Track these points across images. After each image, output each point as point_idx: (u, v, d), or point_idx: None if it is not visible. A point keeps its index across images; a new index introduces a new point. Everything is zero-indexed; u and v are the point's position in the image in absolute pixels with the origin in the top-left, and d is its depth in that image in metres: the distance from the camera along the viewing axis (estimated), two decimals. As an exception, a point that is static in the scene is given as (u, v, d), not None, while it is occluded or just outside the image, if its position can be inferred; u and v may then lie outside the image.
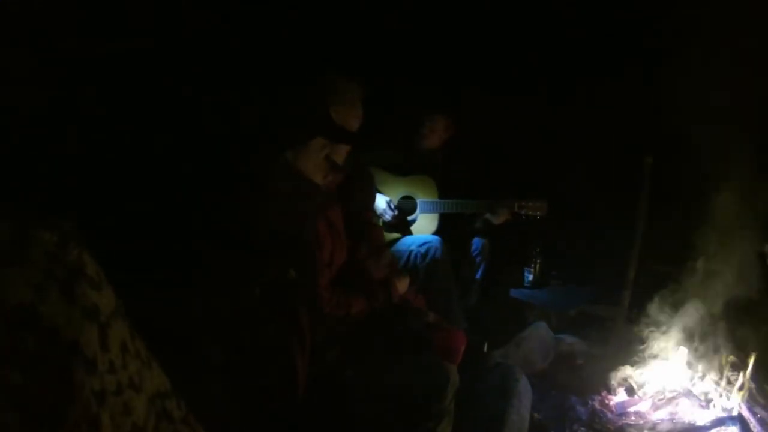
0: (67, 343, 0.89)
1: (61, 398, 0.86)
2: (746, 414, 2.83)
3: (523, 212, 3.47)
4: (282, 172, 1.54)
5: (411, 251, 3.28)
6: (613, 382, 3.29)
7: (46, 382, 0.85)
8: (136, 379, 1.03)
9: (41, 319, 0.88)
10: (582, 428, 2.96)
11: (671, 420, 2.98)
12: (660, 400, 3.11)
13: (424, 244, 3.28)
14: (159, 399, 1.10)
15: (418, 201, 3.48)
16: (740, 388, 2.95)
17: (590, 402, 3.19)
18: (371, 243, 2.61)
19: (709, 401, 3.03)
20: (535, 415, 3.01)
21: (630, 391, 3.22)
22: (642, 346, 3.35)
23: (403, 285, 2.71)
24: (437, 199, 3.53)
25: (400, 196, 3.46)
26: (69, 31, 1.64)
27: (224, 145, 1.47)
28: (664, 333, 3.31)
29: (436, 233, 3.49)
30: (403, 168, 3.50)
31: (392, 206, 3.32)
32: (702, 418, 2.93)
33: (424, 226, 3.50)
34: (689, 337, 3.24)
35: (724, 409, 2.94)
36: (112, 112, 1.57)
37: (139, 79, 1.69)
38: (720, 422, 2.84)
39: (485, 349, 3.44)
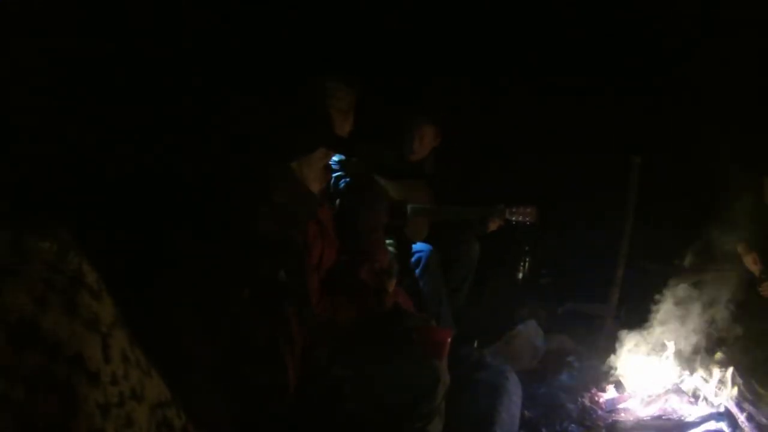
0: (70, 356, 0.88)
1: (65, 413, 0.84)
2: (734, 410, 2.87)
3: (514, 218, 3.47)
4: (285, 179, 1.52)
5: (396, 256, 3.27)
6: (603, 379, 3.32)
7: (49, 397, 0.84)
8: (138, 390, 1.01)
9: (43, 332, 0.87)
10: (572, 425, 2.98)
11: (660, 416, 3.01)
12: (649, 396, 3.14)
13: (415, 252, 3.27)
14: (159, 408, 1.09)
15: (411, 206, 3.46)
16: (728, 385, 2.98)
17: (580, 399, 3.21)
18: (380, 264, 2.60)
19: (697, 397, 3.06)
20: (526, 412, 3.02)
21: (619, 387, 3.24)
22: (631, 343, 3.37)
23: (391, 286, 2.71)
24: (430, 205, 3.52)
25: (394, 201, 3.44)
26: (68, 32, 1.62)
27: (228, 149, 1.46)
28: (652, 330, 3.34)
29: (428, 238, 3.47)
30: (397, 172, 3.48)
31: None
32: (691, 414, 2.96)
33: (416, 231, 3.48)
34: (678, 334, 3.27)
35: (712, 406, 2.97)
36: (112, 115, 1.55)
37: (140, 81, 1.67)
38: (708, 418, 2.87)
39: (475, 347, 3.45)
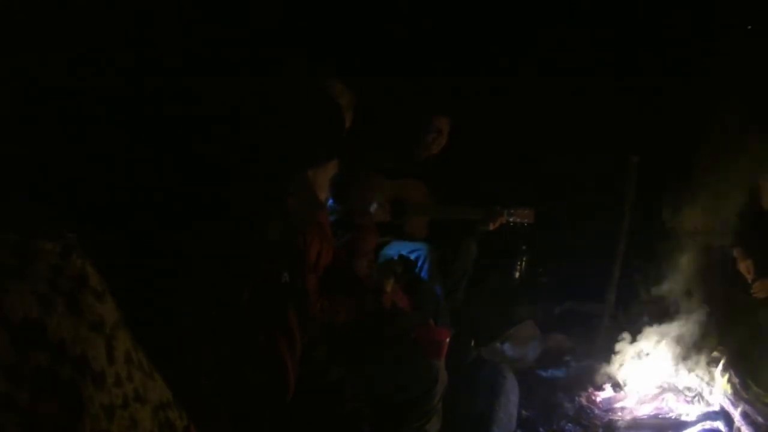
0: (75, 357, 0.88)
1: (69, 415, 0.84)
2: (730, 409, 2.88)
3: (512, 220, 3.48)
4: (300, 188, 1.53)
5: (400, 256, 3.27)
6: (600, 379, 3.33)
7: (54, 398, 0.84)
8: (141, 391, 1.01)
9: (48, 333, 0.86)
10: (569, 424, 2.99)
11: (657, 415, 3.02)
12: (646, 395, 3.15)
13: (413, 251, 3.27)
14: (162, 410, 1.09)
15: (410, 205, 3.46)
16: (724, 384, 3.00)
17: (577, 398, 3.22)
18: (359, 245, 2.60)
19: (694, 396, 3.07)
20: (523, 411, 3.03)
21: (616, 386, 3.26)
22: (627, 343, 3.39)
23: (388, 285, 2.71)
24: (428, 204, 3.52)
25: (392, 200, 3.44)
26: (74, 36, 1.62)
27: (242, 153, 1.45)
28: (649, 329, 3.36)
29: (426, 237, 3.48)
30: (396, 171, 3.47)
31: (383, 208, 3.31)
32: (687, 413, 2.97)
33: (414, 230, 3.49)
34: (674, 334, 3.29)
35: (708, 404, 2.99)
36: (119, 115, 1.55)
37: (147, 85, 1.67)
38: (705, 417, 2.89)
39: (473, 346, 3.46)
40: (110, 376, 0.92)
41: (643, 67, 4.02)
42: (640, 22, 3.95)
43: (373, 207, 3.27)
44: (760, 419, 2.82)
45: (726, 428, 2.80)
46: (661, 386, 3.18)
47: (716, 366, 3.11)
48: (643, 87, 4.02)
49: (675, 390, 3.14)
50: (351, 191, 2.52)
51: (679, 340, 3.28)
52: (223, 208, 1.45)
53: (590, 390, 3.28)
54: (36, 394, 0.82)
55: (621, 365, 3.34)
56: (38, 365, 0.84)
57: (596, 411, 3.12)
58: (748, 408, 2.88)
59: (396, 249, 3.33)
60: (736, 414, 2.85)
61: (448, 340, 2.47)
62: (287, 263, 1.68)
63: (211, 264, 1.50)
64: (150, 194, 1.44)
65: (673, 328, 3.30)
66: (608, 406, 3.14)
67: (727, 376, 3.03)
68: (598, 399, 3.21)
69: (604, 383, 3.30)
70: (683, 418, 2.94)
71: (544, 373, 3.50)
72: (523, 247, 4.26)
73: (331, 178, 1.79)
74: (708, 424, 2.84)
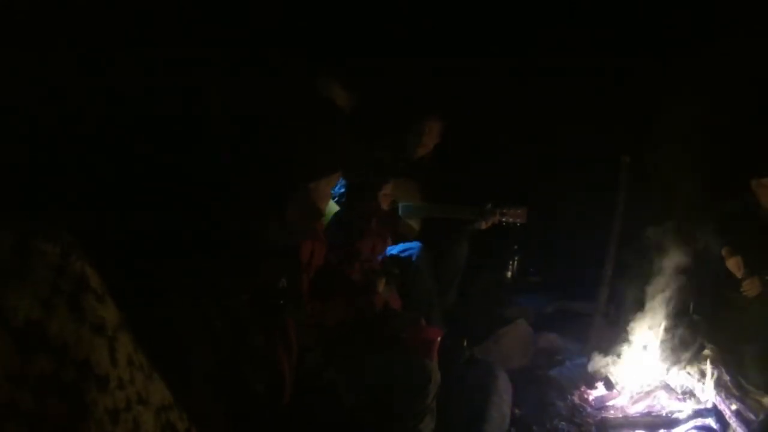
0: (78, 360, 0.87)
1: (74, 419, 0.83)
2: (722, 406, 2.90)
3: (504, 219, 3.48)
4: (302, 199, 1.54)
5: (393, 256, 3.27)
6: (592, 377, 3.34)
7: (58, 404, 0.82)
8: (143, 394, 1.00)
9: (50, 336, 0.85)
10: (562, 423, 3.00)
11: (649, 413, 3.04)
12: (638, 393, 3.17)
13: (405, 250, 3.27)
14: (164, 412, 1.08)
15: (401, 204, 3.46)
16: (716, 381, 3.02)
17: (570, 397, 3.23)
18: (358, 248, 2.60)
19: (685, 394, 3.09)
20: (516, 410, 3.03)
21: (608, 385, 3.27)
22: (619, 341, 3.40)
23: (380, 285, 2.71)
24: (420, 203, 3.52)
25: None
26: (78, 34, 1.61)
27: (247, 163, 1.45)
28: (640, 328, 3.37)
29: (418, 237, 3.47)
30: (387, 170, 3.46)
31: None
32: (679, 410, 2.99)
33: (407, 230, 3.48)
34: (665, 332, 3.30)
35: (700, 402, 3.01)
36: (123, 118, 1.54)
37: (147, 86, 1.66)
38: (696, 414, 2.90)
39: (465, 346, 3.45)
40: (113, 380, 0.91)
41: (642, 67, 4.03)
42: (640, 22, 3.97)
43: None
44: (751, 416, 2.85)
45: (718, 425, 2.82)
46: (653, 384, 3.20)
47: (707, 363, 3.13)
48: (642, 87, 4.03)
49: (667, 388, 3.16)
50: (363, 195, 2.53)
51: (670, 338, 3.29)
52: (224, 209, 1.45)
53: (583, 388, 3.29)
54: (40, 398, 0.81)
55: (613, 363, 3.36)
56: (42, 369, 0.83)
57: (589, 409, 3.13)
58: (739, 405, 2.91)
59: (389, 249, 3.32)
60: (727, 411, 2.87)
61: (439, 339, 2.47)
62: (285, 264, 1.67)
63: (211, 265, 1.50)
64: (150, 195, 1.43)
65: (665, 326, 3.32)
66: (601, 405, 3.16)
67: (718, 373, 3.05)
68: (591, 397, 3.22)
69: (597, 382, 3.31)
70: (675, 415, 2.96)
71: (536, 372, 3.50)
72: (515, 247, 4.27)
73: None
74: (700, 422, 2.85)
